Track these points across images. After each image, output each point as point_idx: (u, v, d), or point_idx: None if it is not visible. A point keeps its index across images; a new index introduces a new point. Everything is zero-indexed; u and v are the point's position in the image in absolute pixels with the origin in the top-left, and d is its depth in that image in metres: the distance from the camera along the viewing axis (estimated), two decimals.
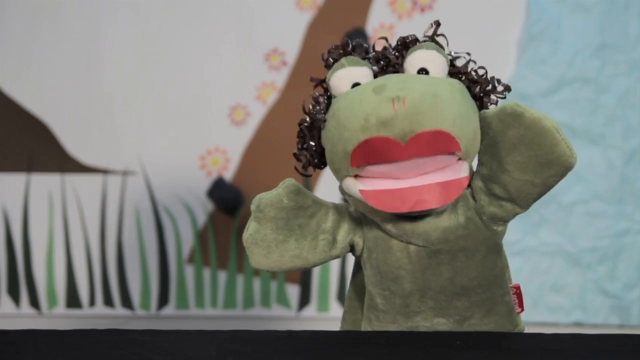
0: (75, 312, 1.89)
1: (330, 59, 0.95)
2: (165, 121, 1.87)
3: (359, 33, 1.85)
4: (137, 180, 1.88)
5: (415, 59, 0.93)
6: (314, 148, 0.96)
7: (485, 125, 0.91)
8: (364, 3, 1.85)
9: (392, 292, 0.94)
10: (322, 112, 0.94)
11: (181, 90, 1.86)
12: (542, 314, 1.84)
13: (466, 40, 1.84)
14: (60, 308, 1.89)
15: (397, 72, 0.93)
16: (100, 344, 0.88)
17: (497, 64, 1.83)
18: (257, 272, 1.88)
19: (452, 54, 0.97)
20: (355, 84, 0.93)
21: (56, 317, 1.89)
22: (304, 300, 1.88)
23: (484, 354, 0.85)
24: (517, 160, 0.90)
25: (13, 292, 1.89)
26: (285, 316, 1.87)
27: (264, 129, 1.87)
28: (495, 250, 0.95)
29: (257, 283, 1.88)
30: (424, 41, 0.95)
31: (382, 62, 0.94)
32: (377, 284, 0.95)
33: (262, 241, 0.93)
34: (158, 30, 1.86)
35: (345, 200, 0.96)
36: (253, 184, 1.86)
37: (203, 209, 1.87)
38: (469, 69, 0.96)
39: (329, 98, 0.95)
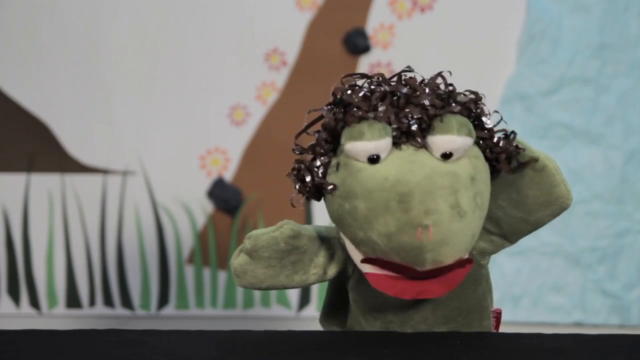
0: (75, 312, 1.89)
1: (347, 116, 0.84)
2: (165, 121, 1.87)
3: (359, 33, 1.85)
4: (137, 180, 1.88)
5: (442, 144, 0.84)
6: (307, 188, 0.88)
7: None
8: (364, 3, 1.85)
9: (374, 318, 0.94)
10: (325, 165, 0.87)
11: (181, 90, 1.86)
12: (542, 314, 1.84)
13: (466, 40, 1.84)
14: (60, 308, 1.89)
15: (418, 146, 0.84)
16: (100, 344, 0.88)
17: (497, 64, 1.83)
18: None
19: (479, 111, 0.87)
20: (373, 155, 0.84)
21: (56, 317, 1.89)
22: (304, 300, 1.88)
23: (483, 354, 0.85)
24: (512, 198, 0.88)
25: (13, 292, 1.89)
26: (285, 316, 1.86)
27: (264, 129, 1.86)
28: (477, 280, 0.95)
29: None
30: (454, 114, 0.84)
31: (404, 136, 0.85)
32: (360, 308, 0.95)
33: (252, 273, 0.92)
34: (158, 30, 1.86)
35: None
36: (253, 184, 1.86)
37: (203, 209, 1.87)
38: (495, 140, 0.88)
39: (332, 135, 0.87)
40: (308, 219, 1.85)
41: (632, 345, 0.88)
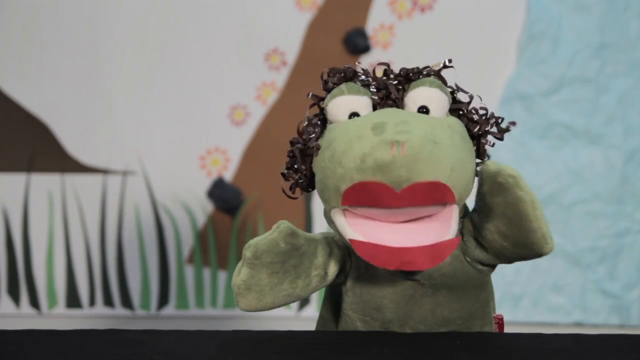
0: (75, 312, 1.89)
1: (329, 82, 0.93)
2: (165, 121, 1.87)
3: (359, 33, 1.85)
4: (137, 180, 1.88)
5: (416, 96, 0.90)
6: (304, 172, 0.94)
7: (480, 178, 0.88)
8: (364, 3, 1.85)
9: (373, 319, 0.94)
10: (316, 137, 0.92)
11: (181, 90, 1.86)
12: (542, 314, 1.84)
13: (466, 40, 1.84)
14: (60, 308, 1.89)
15: (397, 106, 0.91)
16: (100, 344, 0.88)
17: (497, 64, 1.83)
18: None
19: (455, 86, 0.94)
20: (353, 114, 0.91)
21: (56, 317, 1.89)
22: (304, 300, 1.88)
23: (483, 354, 0.85)
24: (499, 228, 0.87)
25: (13, 292, 1.89)
26: (285, 316, 1.86)
27: (264, 129, 1.87)
28: (481, 285, 0.94)
29: None
30: (427, 74, 0.92)
31: (382, 92, 0.92)
32: (358, 311, 0.95)
33: (256, 286, 0.91)
34: (158, 30, 1.86)
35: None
36: (253, 184, 1.86)
37: (203, 209, 1.87)
38: (471, 108, 0.93)
39: (324, 121, 0.93)
40: (308, 218, 1.85)
41: (632, 345, 0.88)
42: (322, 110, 0.93)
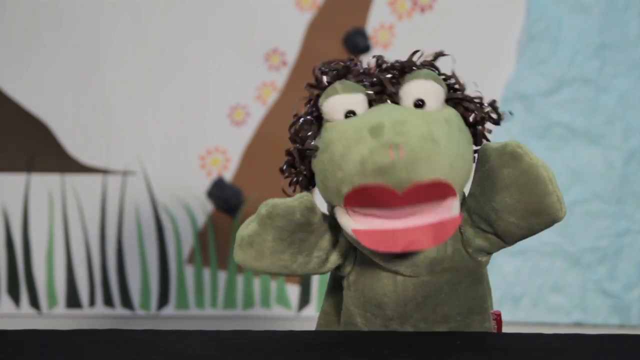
0: (75, 312, 1.89)
1: (322, 80, 0.93)
2: (165, 121, 1.87)
3: (359, 33, 1.85)
4: (137, 180, 1.88)
5: (411, 89, 0.90)
6: (304, 172, 0.94)
7: (483, 157, 0.89)
8: (364, 3, 1.85)
9: (374, 315, 0.94)
10: (313, 135, 0.92)
11: (181, 90, 1.86)
12: (542, 314, 1.84)
13: (466, 40, 1.84)
14: (60, 308, 1.89)
15: (392, 100, 0.91)
16: (100, 344, 0.88)
17: (497, 64, 1.83)
18: (257, 272, 1.88)
19: (450, 75, 0.94)
20: (349, 112, 0.90)
21: (56, 317, 1.89)
22: (304, 300, 1.88)
23: (484, 354, 0.85)
24: (506, 201, 0.88)
25: (13, 292, 1.89)
26: (285, 316, 1.87)
27: (264, 129, 1.87)
28: (479, 279, 0.94)
29: (257, 283, 1.88)
30: (421, 67, 0.92)
31: (377, 87, 0.91)
32: (359, 306, 0.95)
33: (259, 245, 0.90)
34: (158, 31, 1.86)
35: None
36: (253, 184, 1.86)
37: (203, 209, 1.87)
38: (466, 96, 0.94)
39: (319, 119, 0.93)
40: None
41: (632, 345, 0.88)
42: (316, 106, 0.93)
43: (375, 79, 0.92)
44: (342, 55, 1.84)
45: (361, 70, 0.93)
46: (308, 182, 0.95)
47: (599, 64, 1.83)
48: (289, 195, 0.95)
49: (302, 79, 1.92)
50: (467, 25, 1.83)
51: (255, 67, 1.86)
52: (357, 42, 1.84)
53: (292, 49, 1.86)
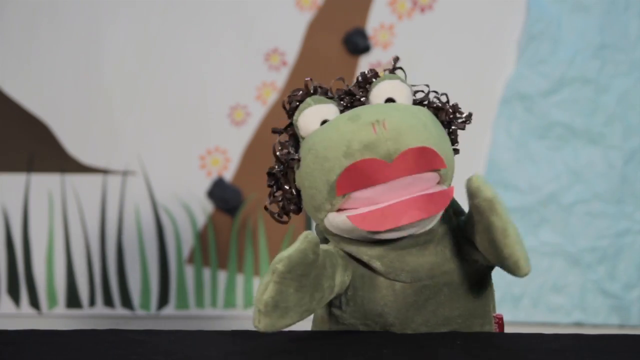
0: (75, 312, 1.89)
1: (294, 102, 0.94)
2: (165, 121, 1.87)
3: (359, 33, 1.85)
4: (137, 180, 1.88)
5: (380, 90, 0.92)
6: (288, 194, 0.94)
7: (469, 192, 0.88)
8: (364, 3, 1.85)
9: (375, 322, 0.94)
10: (294, 150, 0.93)
11: (181, 90, 1.86)
12: (542, 314, 1.84)
13: (466, 40, 1.84)
14: (60, 308, 1.89)
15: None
16: (100, 344, 0.88)
17: (497, 64, 1.83)
18: (257, 272, 1.88)
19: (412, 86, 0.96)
20: (324, 121, 0.91)
21: (56, 317, 1.89)
22: None
23: (484, 354, 0.85)
24: (482, 242, 0.88)
25: (13, 292, 1.89)
26: None
27: (264, 129, 1.87)
28: (481, 282, 0.95)
29: (257, 283, 1.88)
30: (385, 72, 0.94)
31: (347, 99, 0.93)
32: (359, 318, 0.94)
33: (284, 302, 0.86)
34: (158, 30, 1.86)
35: (326, 240, 0.94)
36: (253, 184, 1.86)
37: (203, 209, 1.87)
38: (432, 98, 0.95)
39: (296, 141, 0.94)
40: (308, 220, 1.85)
41: (632, 345, 0.88)
42: (293, 130, 0.95)
43: (343, 91, 0.94)
44: (342, 55, 1.84)
45: (327, 90, 0.95)
46: (295, 206, 0.94)
47: (599, 64, 1.83)
48: (280, 222, 0.95)
49: (302, 79, 1.92)
50: (467, 25, 1.83)
51: (255, 67, 1.86)
52: (357, 42, 1.84)
53: (292, 49, 1.86)
